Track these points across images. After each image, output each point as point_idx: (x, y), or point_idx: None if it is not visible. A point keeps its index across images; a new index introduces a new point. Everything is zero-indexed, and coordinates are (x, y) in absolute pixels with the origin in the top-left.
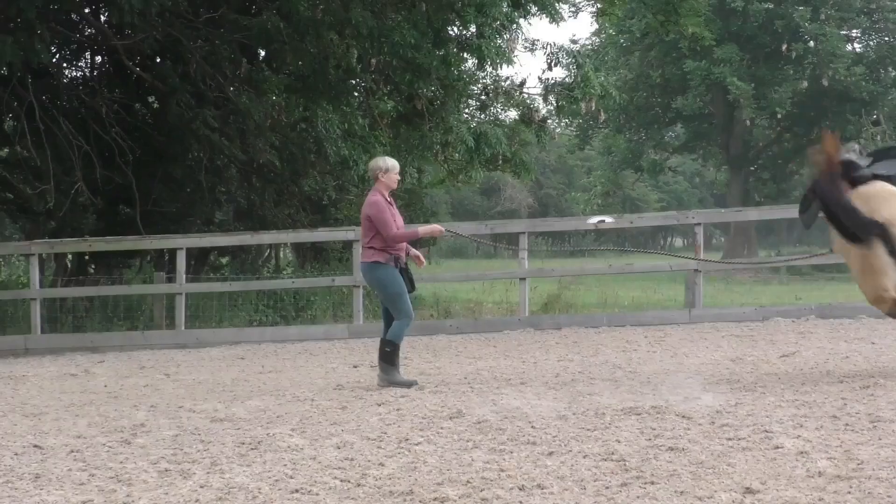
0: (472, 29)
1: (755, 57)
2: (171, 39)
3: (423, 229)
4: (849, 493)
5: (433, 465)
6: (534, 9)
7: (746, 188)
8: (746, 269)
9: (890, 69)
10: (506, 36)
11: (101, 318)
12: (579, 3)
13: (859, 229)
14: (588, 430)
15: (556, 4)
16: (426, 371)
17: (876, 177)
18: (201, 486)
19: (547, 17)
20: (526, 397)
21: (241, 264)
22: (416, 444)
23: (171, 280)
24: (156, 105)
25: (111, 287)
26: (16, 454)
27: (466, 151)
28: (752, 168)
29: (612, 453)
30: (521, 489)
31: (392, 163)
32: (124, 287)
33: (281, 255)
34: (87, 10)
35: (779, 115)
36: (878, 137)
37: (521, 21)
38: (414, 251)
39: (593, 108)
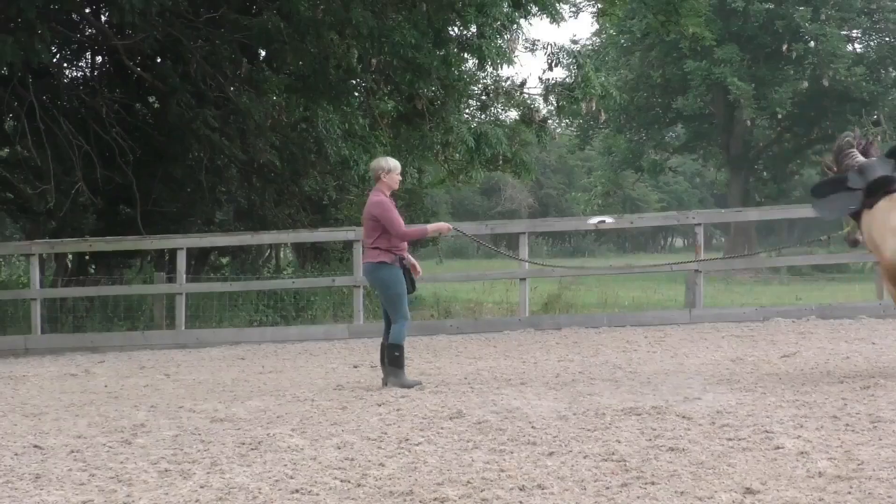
0: (473, 29)
1: (756, 57)
2: (171, 39)
3: (431, 227)
4: (849, 493)
5: (433, 465)
6: (534, 9)
7: (747, 188)
8: (747, 269)
9: (890, 69)
10: (506, 36)
11: (102, 318)
12: (580, 3)
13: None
14: (588, 430)
15: (557, 4)
16: (426, 371)
17: None
18: (201, 487)
19: (547, 17)
20: (526, 397)
21: (242, 264)
22: (417, 445)
23: (171, 280)
24: (156, 105)
25: (111, 287)
26: (16, 454)
27: (467, 151)
28: (752, 168)
29: (613, 453)
30: (521, 489)
31: (395, 163)
32: (124, 287)
33: (281, 255)
34: (87, 10)
35: (779, 116)
36: (879, 138)
37: (522, 21)
38: (412, 259)
39: (594, 108)
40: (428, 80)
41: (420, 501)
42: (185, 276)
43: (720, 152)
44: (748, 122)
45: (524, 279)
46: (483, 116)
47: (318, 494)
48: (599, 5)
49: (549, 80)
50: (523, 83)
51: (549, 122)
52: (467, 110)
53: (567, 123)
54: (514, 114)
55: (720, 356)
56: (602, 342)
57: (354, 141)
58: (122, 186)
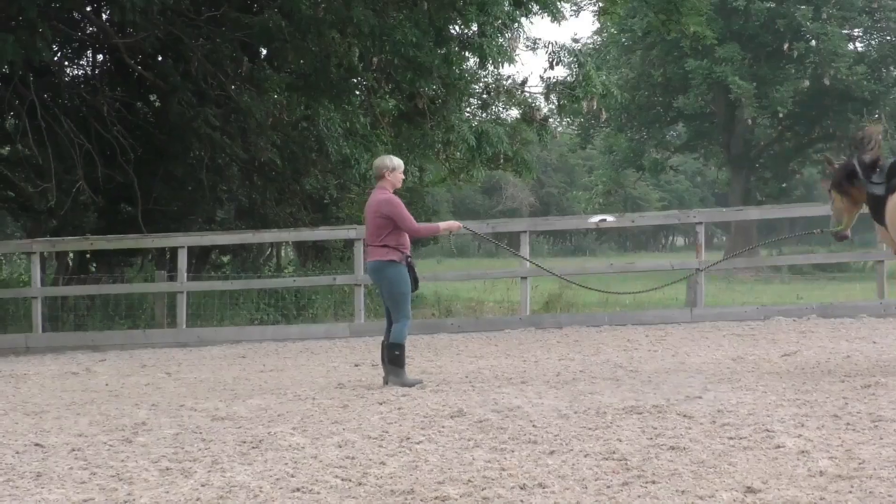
0: (474, 28)
1: (757, 56)
2: (172, 38)
3: (443, 225)
4: (850, 492)
5: (434, 463)
6: (535, 7)
7: (748, 187)
8: (748, 268)
9: (891, 68)
10: (507, 35)
11: (103, 317)
12: (581, 2)
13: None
14: (589, 428)
15: (558, 3)
16: (428, 370)
17: None
18: (202, 485)
19: (548, 15)
20: (527, 396)
21: (243, 263)
22: (418, 443)
23: (172, 279)
24: (157, 103)
25: (112, 286)
26: (17, 453)
27: (468, 150)
28: (753, 167)
29: (614, 452)
30: (522, 488)
31: (398, 162)
32: (125, 286)
33: (282, 253)
34: (88, 9)
35: (780, 115)
36: (879, 137)
37: (523, 20)
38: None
39: (595, 107)
40: (429, 78)
41: (421, 500)
42: (186, 274)
43: (721, 151)
44: (749, 121)
45: (525, 278)
46: (484, 115)
47: (318, 493)
48: (600, 4)
49: (550, 78)
50: (524, 82)
51: (550, 120)
52: (468, 109)
53: (568, 122)
54: (515, 112)
55: (721, 355)
56: (603, 341)
57: (355, 139)
58: (123, 185)
